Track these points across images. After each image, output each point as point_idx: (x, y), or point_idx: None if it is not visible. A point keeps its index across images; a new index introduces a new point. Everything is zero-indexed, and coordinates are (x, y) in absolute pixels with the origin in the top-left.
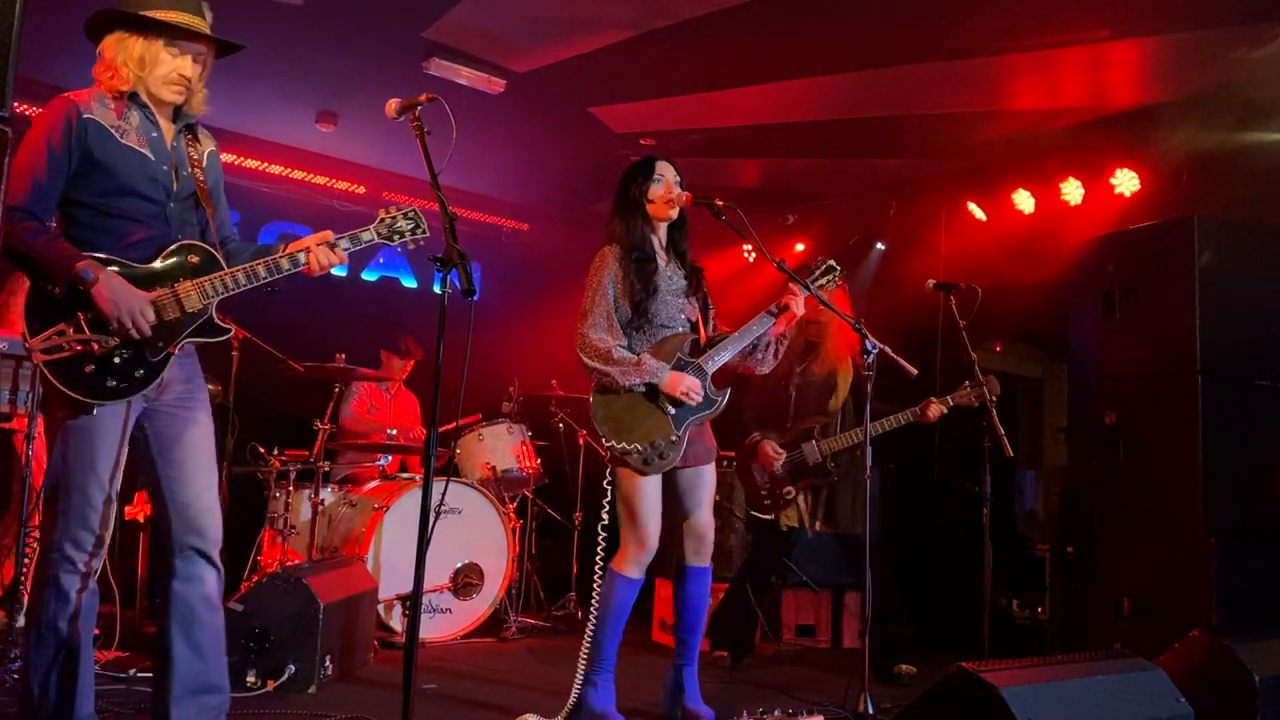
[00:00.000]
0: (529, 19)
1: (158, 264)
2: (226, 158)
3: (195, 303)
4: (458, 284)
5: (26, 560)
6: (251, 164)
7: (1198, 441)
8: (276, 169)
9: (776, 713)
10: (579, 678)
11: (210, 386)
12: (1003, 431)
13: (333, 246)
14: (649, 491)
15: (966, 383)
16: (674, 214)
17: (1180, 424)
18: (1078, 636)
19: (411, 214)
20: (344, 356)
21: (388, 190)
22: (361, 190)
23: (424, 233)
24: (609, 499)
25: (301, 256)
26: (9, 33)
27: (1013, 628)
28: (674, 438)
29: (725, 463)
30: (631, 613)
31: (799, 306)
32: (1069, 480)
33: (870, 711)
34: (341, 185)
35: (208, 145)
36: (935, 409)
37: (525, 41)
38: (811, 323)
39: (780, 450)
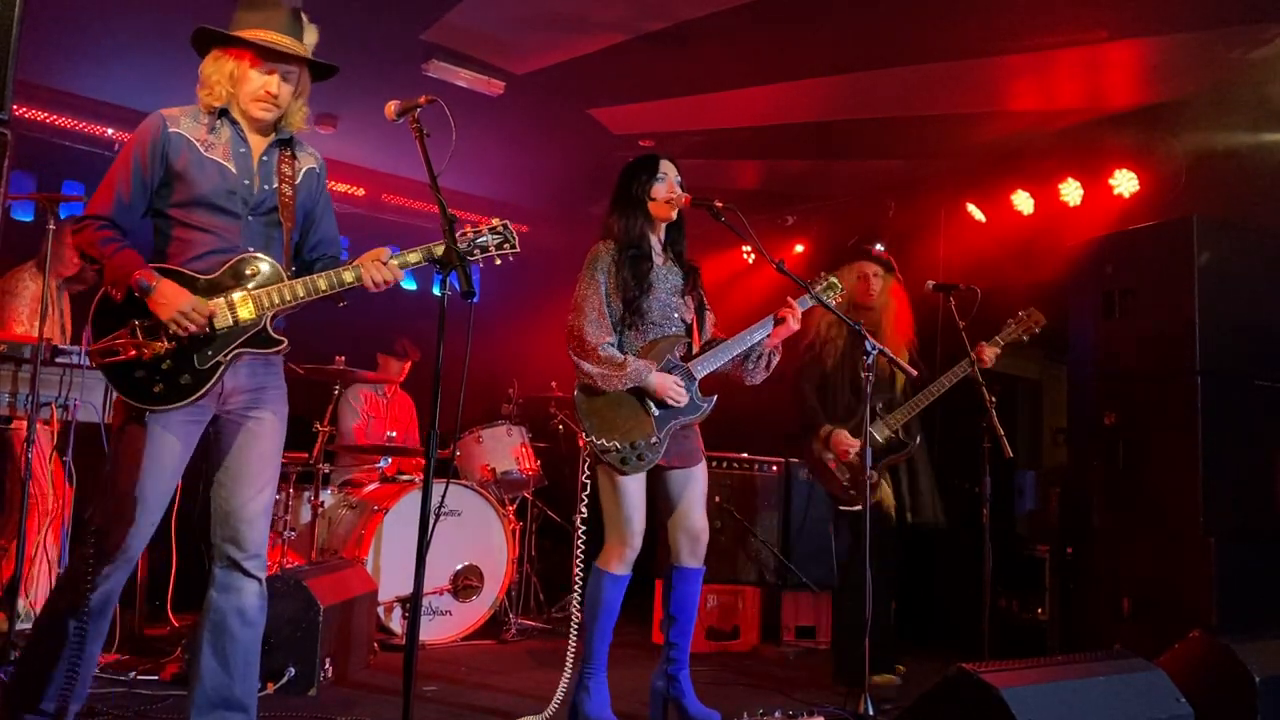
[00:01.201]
0: (528, 21)
1: (218, 274)
2: None
3: (249, 313)
4: (457, 286)
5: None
6: None
7: (1197, 441)
8: None
9: (777, 713)
10: (567, 675)
11: None
12: (1002, 432)
13: (401, 263)
14: (631, 489)
15: (1010, 321)
16: (674, 215)
17: (1180, 424)
18: (1078, 636)
19: (500, 228)
20: (344, 359)
21: (387, 193)
22: (361, 193)
23: (513, 247)
24: (587, 493)
25: (361, 271)
26: (8, 35)
27: (1013, 628)
28: (654, 439)
29: (727, 464)
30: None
31: (795, 321)
32: (1068, 481)
33: (870, 712)
34: (340, 188)
35: (307, 163)
36: (990, 352)
37: (524, 43)
38: (865, 309)
39: (854, 440)
